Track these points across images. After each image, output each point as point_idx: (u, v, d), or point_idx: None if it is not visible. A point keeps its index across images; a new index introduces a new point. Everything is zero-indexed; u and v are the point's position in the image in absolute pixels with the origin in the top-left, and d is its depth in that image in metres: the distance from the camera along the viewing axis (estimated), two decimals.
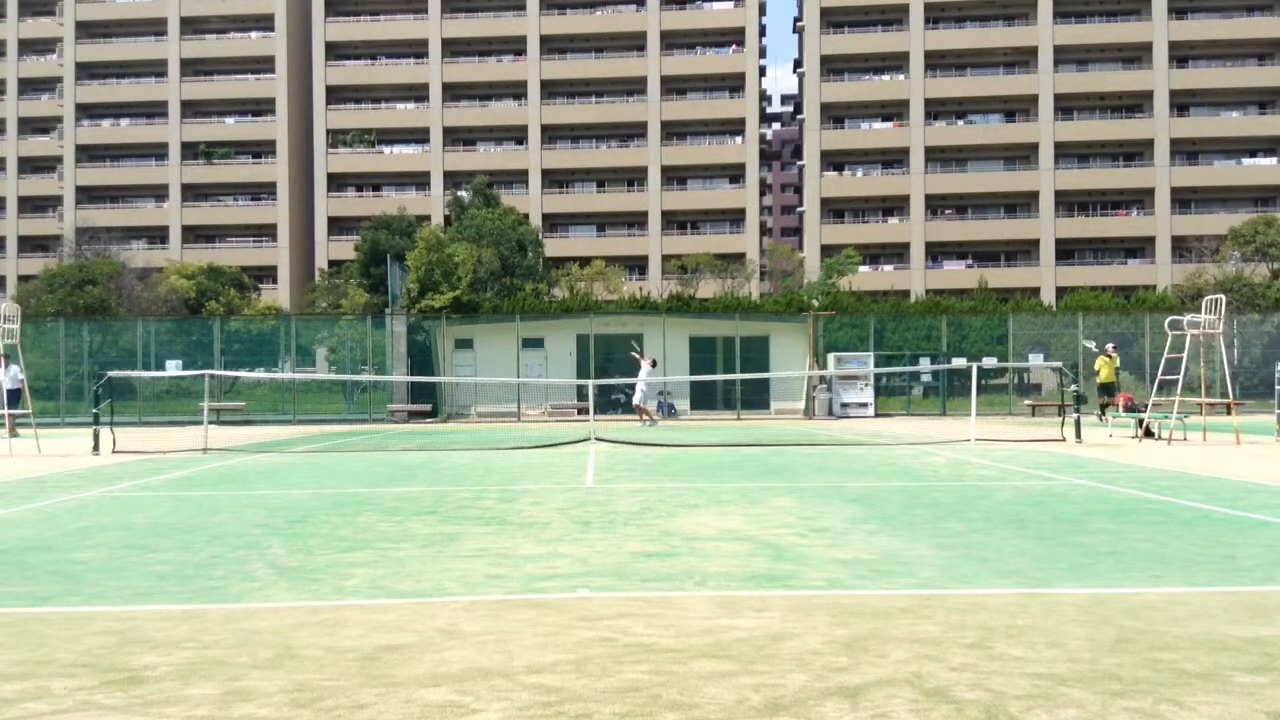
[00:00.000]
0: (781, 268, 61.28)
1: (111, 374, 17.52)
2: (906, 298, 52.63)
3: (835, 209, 68.19)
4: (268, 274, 69.21)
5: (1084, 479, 9.99)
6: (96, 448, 15.51)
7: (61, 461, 13.84)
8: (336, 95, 71.05)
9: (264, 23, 71.44)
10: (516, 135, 70.20)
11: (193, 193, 71.69)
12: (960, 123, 67.94)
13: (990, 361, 29.11)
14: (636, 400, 23.92)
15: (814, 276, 55.23)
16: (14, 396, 21.27)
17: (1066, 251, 66.38)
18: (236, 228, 71.80)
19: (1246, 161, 66.35)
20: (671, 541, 6.17)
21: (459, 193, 54.97)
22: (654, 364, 25.12)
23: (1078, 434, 16.15)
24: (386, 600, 4.54)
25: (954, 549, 5.81)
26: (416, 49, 70.59)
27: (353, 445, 17.17)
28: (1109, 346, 24.09)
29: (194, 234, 71.32)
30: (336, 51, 70.97)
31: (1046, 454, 13.55)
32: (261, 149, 71.46)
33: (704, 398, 31.37)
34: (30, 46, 72.75)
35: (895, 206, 68.02)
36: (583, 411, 26.81)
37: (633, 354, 26.32)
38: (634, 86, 69.16)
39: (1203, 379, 18.01)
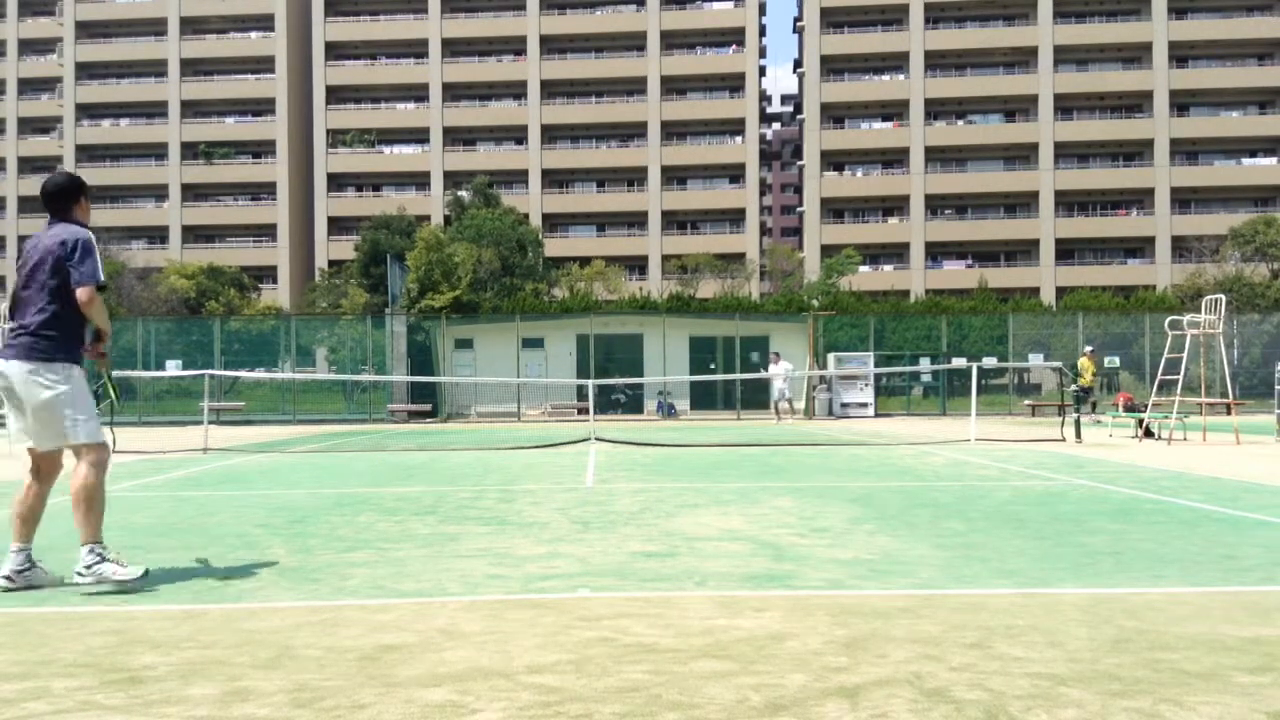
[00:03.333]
0: (781, 268, 61.29)
1: (111, 374, 17.50)
2: (906, 298, 52.65)
3: (835, 209, 68.20)
4: (268, 274, 69.22)
5: (1084, 479, 9.99)
6: None
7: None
8: (336, 95, 71.06)
9: (264, 23, 71.47)
10: (516, 135, 70.22)
11: (193, 193, 71.71)
12: (960, 123, 67.95)
13: (990, 361, 29.12)
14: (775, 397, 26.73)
15: (814, 276, 55.24)
16: None
17: (1066, 251, 66.40)
18: (236, 228, 71.83)
19: (1246, 161, 66.36)
20: (671, 541, 6.17)
21: (459, 193, 55.00)
22: (776, 359, 26.95)
23: (1078, 434, 16.15)
24: (386, 600, 4.54)
25: (954, 549, 5.81)
26: (416, 49, 70.61)
27: (353, 445, 17.17)
28: (1088, 350, 24.15)
29: (194, 234, 71.35)
30: (336, 51, 70.97)
31: (1046, 454, 13.55)
32: (261, 149, 71.48)
33: (704, 398, 31.37)
34: (30, 46, 72.80)
35: (895, 206, 68.03)
36: (583, 411, 26.81)
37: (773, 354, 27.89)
38: (634, 86, 69.18)
39: (1203, 379, 18.01)
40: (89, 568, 4.74)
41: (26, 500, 4.88)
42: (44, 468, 4.96)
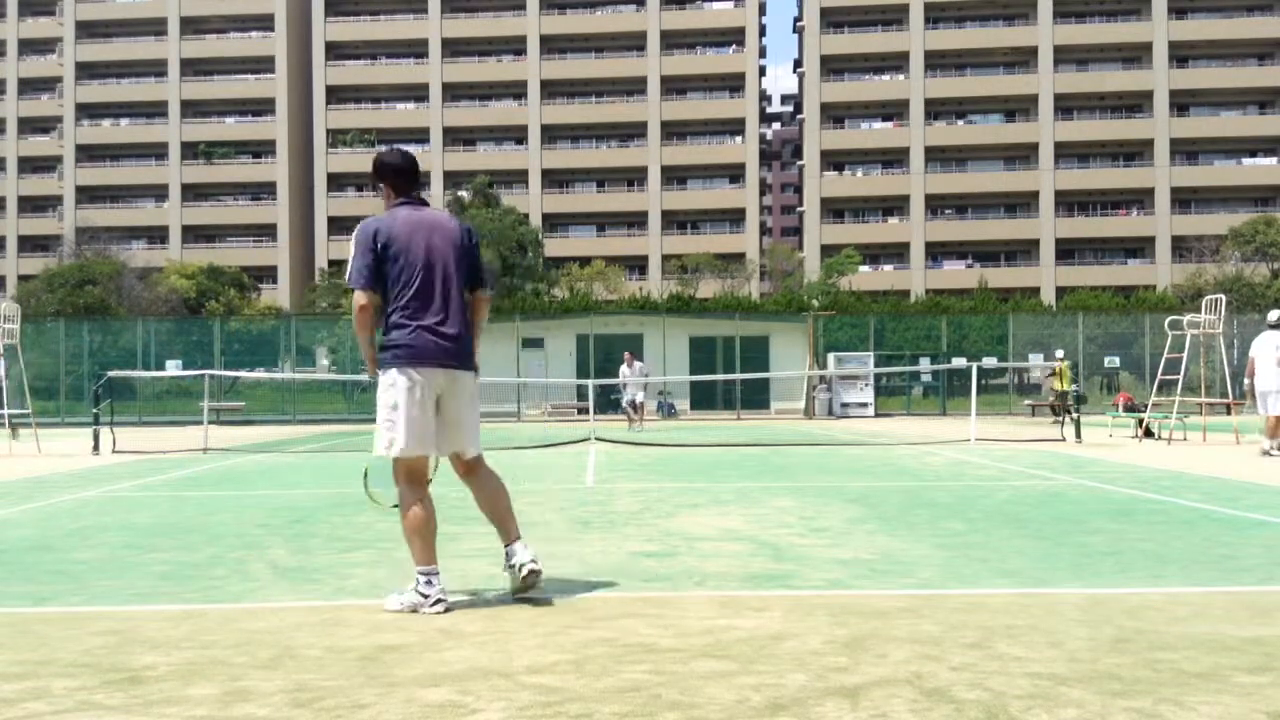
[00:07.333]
0: (781, 268, 61.33)
1: (111, 374, 17.52)
2: (906, 298, 52.65)
3: (835, 209, 68.19)
4: (268, 274, 69.22)
5: (1084, 479, 9.98)
6: (96, 448, 15.51)
7: (61, 461, 13.84)
8: (336, 95, 71.04)
9: (264, 23, 71.46)
10: (516, 135, 70.21)
11: (193, 193, 71.69)
12: (960, 123, 67.95)
13: (990, 361, 29.11)
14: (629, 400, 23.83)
15: (814, 276, 55.28)
16: None
17: (1066, 251, 66.39)
18: (236, 228, 71.81)
19: (1246, 161, 66.36)
20: (671, 541, 6.17)
21: (459, 193, 54.98)
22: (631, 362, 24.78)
23: (1078, 434, 16.15)
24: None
25: (954, 549, 5.81)
26: (416, 49, 70.60)
27: (353, 445, 17.16)
28: (1059, 354, 24.30)
29: (194, 234, 71.33)
30: (336, 51, 70.96)
31: (1046, 454, 13.55)
32: (261, 149, 71.47)
33: (704, 398, 31.36)
34: (30, 46, 72.78)
35: (895, 206, 68.03)
36: (583, 411, 26.80)
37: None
38: (634, 86, 69.17)
39: (1202, 379, 18.02)
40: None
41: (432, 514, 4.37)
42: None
